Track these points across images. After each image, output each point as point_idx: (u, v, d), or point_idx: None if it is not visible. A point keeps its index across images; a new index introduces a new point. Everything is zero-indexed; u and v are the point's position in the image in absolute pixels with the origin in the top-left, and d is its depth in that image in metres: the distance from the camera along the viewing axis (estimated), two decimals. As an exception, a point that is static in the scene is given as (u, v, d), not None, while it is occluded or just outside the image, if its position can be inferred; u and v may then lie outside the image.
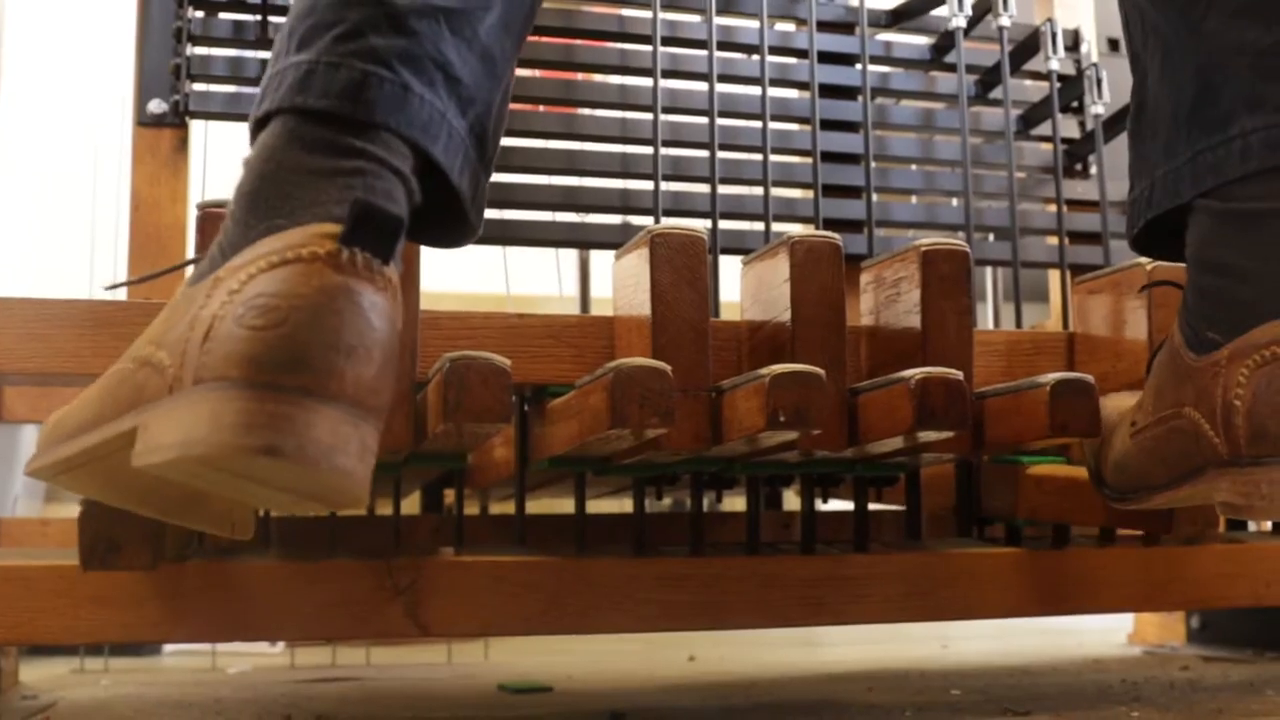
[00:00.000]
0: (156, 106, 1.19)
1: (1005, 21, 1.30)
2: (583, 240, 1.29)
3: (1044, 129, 1.38)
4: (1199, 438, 0.77)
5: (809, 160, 1.26)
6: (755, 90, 1.25)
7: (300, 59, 0.71)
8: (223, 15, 1.22)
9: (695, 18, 1.31)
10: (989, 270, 1.84)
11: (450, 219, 0.78)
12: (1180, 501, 0.84)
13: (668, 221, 1.04)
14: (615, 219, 1.32)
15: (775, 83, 1.28)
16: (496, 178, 1.25)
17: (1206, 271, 0.79)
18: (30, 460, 0.74)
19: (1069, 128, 1.40)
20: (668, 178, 1.23)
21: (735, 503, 1.32)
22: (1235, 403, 0.74)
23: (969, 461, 1.06)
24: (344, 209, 0.63)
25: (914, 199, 1.44)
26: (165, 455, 0.59)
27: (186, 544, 0.88)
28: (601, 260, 2.11)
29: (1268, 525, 1.56)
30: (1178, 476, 0.80)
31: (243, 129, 1.36)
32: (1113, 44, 1.71)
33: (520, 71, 1.33)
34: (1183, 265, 0.83)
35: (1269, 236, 0.76)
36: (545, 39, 1.32)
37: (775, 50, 1.30)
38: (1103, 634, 1.77)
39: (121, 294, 1.18)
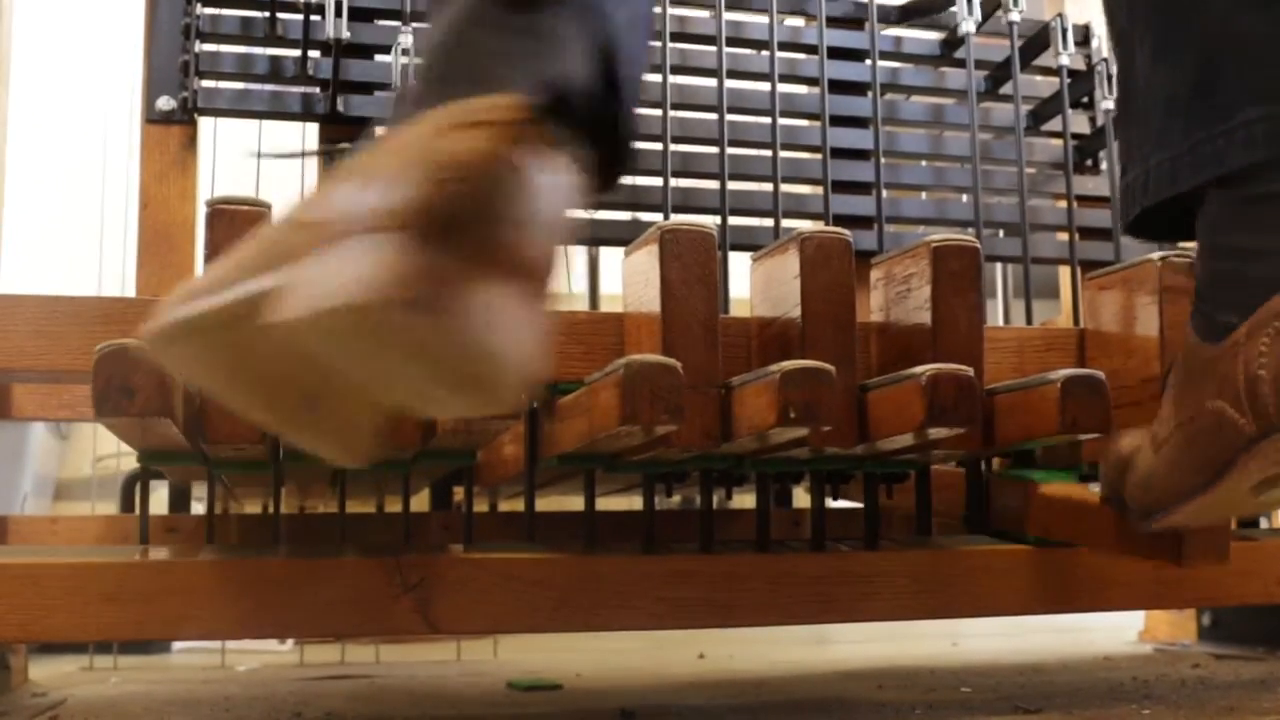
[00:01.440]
0: (165, 103, 1.19)
1: (1015, 17, 1.29)
2: (592, 237, 1.29)
3: (1054, 124, 1.37)
4: (1224, 428, 0.76)
5: (818, 156, 1.25)
6: (764, 86, 1.25)
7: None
8: (231, 11, 1.21)
9: (704, 13, 1.30)
10: (999, 266, 1.83)
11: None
12: (1210, 510, 0.82)
13: (677, 218, 1.03)
14: (624, 215, 1.31)
15: (784, 78, 1.28)
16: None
17: (1218, 257, 0.79)
18: (150, 322, 0.62)
19: (1079, 123, 1.39)
20: (677, 174, 1.23)
21: (745, 500, 1.32)
22: (1260, 373, 0.73)
23: (979, 474, 1.06)
24: (531, 84, 0.60)
25: (924, 195, 1.44)
26: (306, 308, 0.52)
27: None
28: (611, 257, 2.12)
29: (1280, 522, 1.55)
30: (1209, 477, 0.79)
31: (251, 126, 1.36)
32: (1123, 39, 1.70)
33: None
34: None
35: (1270, 216, 0.76)
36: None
37: (784, 46, 1.30)
38: (1114, 631, 1.77)
39: (130, 291, 1.18)
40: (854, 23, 1.35)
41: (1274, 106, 0.76)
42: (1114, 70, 0.90)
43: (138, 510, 0.98)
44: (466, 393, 0.56)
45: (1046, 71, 1.40)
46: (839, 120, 1.29)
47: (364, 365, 0.56)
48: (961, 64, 1.34)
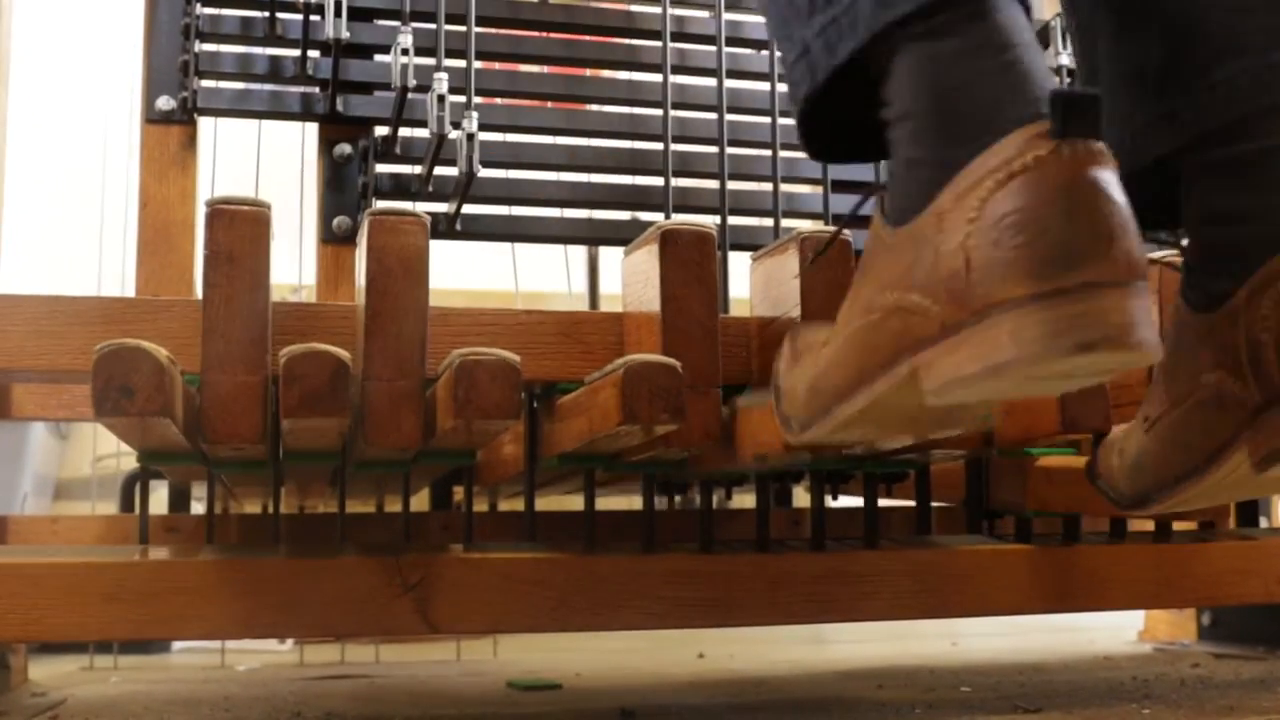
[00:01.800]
0: (165, 103, 1.19)
1: (1015, 16, 1.29)
2: (592, 237, 1.29)
3: (1054, 124, 1.37)
4: (1224, 400, 0.75)
5: (818, 156, 1.25)
6: (764, 86, 1.25)
7: None
8: (231, 11, 1.21)
9: (704, 13, 1.30)
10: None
11: None
12: (1209, 492, 0.80)
13: (677, 218, 1.03)
14: (624, 215, 1.31)
15: (785, 78, 1.28)
16: (504, 174, 1.25)
17: (1206, 225, 0.78)
18: (796, 432, 0.76)
19: (1079, 123, 1.39)
20: (677, 174, 1.23)
21: (745, 499, 1.32)
22: (1263, 336, 0.72)
23: (980, 473, 1.06)
24: (1033, 105, 0.63)
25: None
26: (964, 384, 0.62)
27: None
28: (610, 257, 2.12)
29: None
30: (1209, 455, 0.77)
31: (250, 125, 1.36)
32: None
33: (527, 68, 1.33)
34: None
35: (1265, 173, 0.75)
36: (554, 35, 1.32)
37: (784, 46, 1.30)
38: (1113, 631, 1.77)
39: (130, 291, 1.18)
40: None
41: (1254, 58, 0.75)
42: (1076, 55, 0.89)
43: (137, 510, 0.98)
44: (1110, 373, 0.66)
45: (1046, 71, 1.40)
46: (839, 120, 1.29)
47: (1009, 394, 0.68)
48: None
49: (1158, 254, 0.99)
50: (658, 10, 1.25)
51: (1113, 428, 0.90)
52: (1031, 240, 0.60)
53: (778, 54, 0.81)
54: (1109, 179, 0.61)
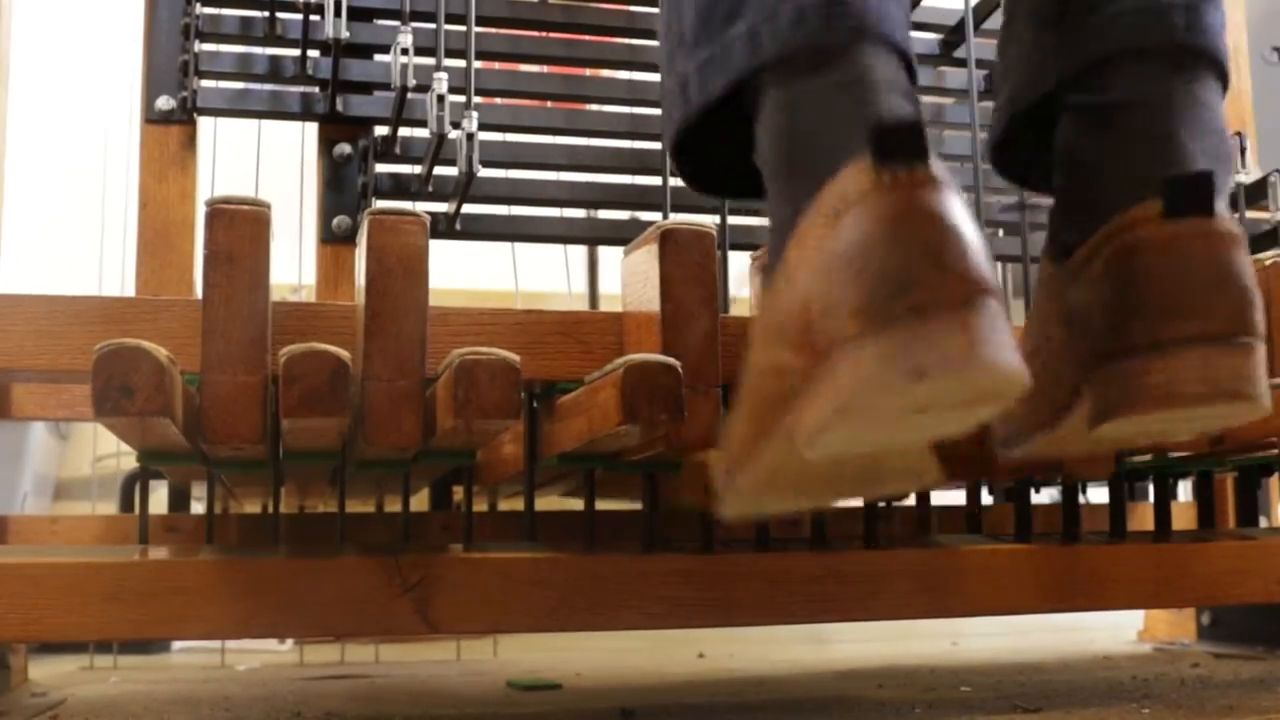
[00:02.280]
0: (165, 103, 1.19)
1: (1015, 16, 1.29)
2: (591, 236, 1.29)
3: (1054, 124, 1.37)
4: (1064, 356, 0.74)
5: (818, 156, 1.25)
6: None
7: (735, 30, 0.71)
8: (231, 11, 1.22)
9: (704, 13, 1.30)
10: (999, 266, 1.83)
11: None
12: (1062, 443, 0.79)
13: (676, 217, 1.03)
14: (624, 215, 1.31)
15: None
16: (503, 174, 1.26)
17: (1069, 173, 0.78)
18: (722, 507, 0.75)
19: (1079, 123, 1.39)
20: (676, 173, 1.23)
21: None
22: (1093, 297, 0.72)
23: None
24: (861, 143, 0.61)
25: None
26: (825, 431, 0.60)
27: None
28: (610, 256, 2.12)
29: (1279, 521, 1.55)
30: (1056, 410, 0.76)
31: (250, 125, 1.36)
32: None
33: (527, 68, 1.33)
34: None
35: (1118, 130, 0.75)
36: (553, 34, 1.32)
37: (784, 45, 1.30)
38: (1113, 630, 1.77)
39: (130, 290, 1.18)
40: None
41: (1134, 1, 0.75)
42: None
43: (137, 510, 0.98)
44: (984, 404, 0.62)
45: (1046, 71, 1.40)
46: (838, 120, 1.29)
47: (890, 437, 0.64)
48: (961, 63, 1.34)
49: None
50: (657, 10, 1.25)
51: None
52: (859, 273, 0.58)
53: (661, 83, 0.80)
54: (938, 200, 0.59)
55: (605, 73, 1.40)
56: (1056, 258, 0.77)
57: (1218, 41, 0.77)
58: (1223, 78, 0.78)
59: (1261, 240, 1.31)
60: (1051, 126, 0.81)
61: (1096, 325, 0.71)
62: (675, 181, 1.22)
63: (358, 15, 1.20)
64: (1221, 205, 0.70)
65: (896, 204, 0.59)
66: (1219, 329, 0.67)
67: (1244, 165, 1.32)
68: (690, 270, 0.88)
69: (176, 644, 1.78)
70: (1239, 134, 1.35)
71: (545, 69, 1.36)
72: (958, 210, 0.60)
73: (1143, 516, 1.49)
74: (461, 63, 1.18)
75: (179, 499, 1.33)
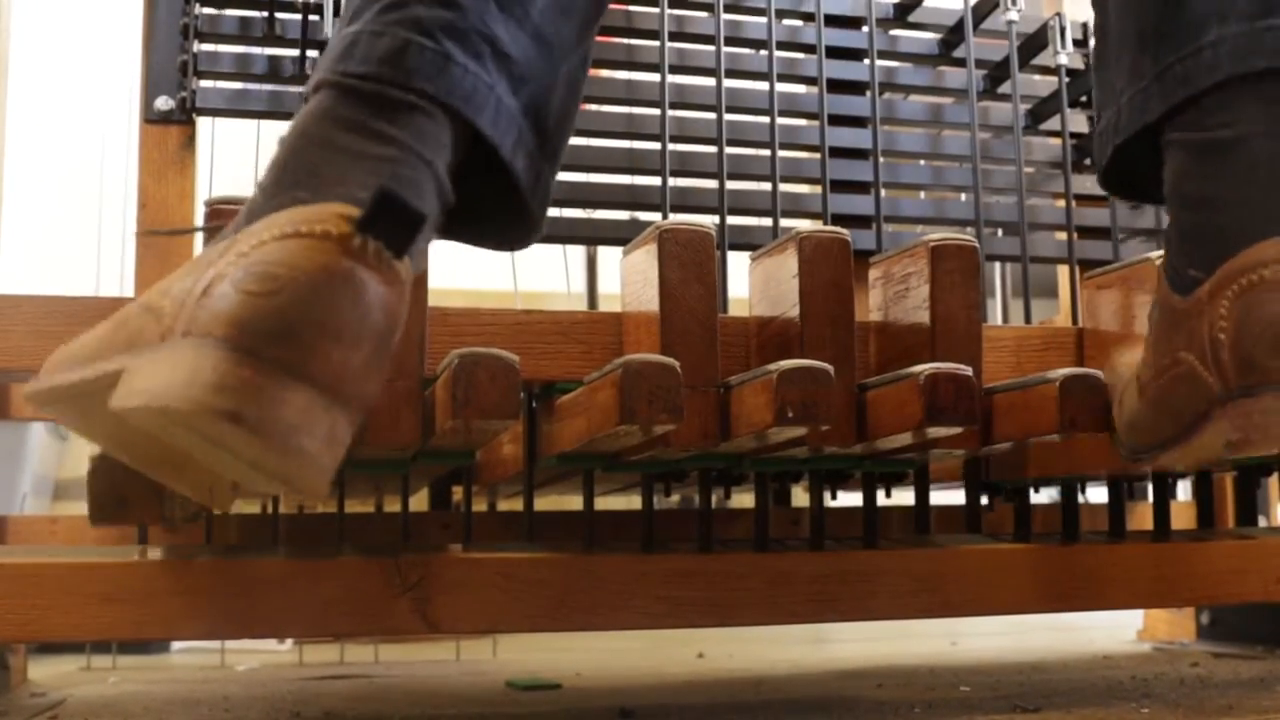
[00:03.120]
0: (164, 103, 1.19)
1: (1014, 16, 1.29)
2: (590, 236, 1.29)
3: (1053, 123, 1.37)
4: (1196, 381, 0.76)
5: (817, 155, 1.25)
6: (763, 85, 1.25)
7: (347, 30, 0.72)
8: (230, 11, 1.21)
9: (703, 13, 1.30)
10: (998, 266, 1.83)
11: (510, 212, 0.77)
12: (1193, 455, 0.82)
13: (675, 217, 1.03)
14: (623, 215, 1.31)
15: (783, 78, 1.28)
16: (504, 174, 1.25)
17: (1184, 208, 0.78)
18: (30, 382, 0.73)
19: (1078, 122, 1.39)
20: (675, 173, 1.23)
21: (744, 499, 1.32)
22: (1220, 336, 0.73)
23: (978, 471, 1.06)
24: (367, 194, 0.61)
25: (923, 194, 1.44)
26: (137, 401, 0.59)
27: (195, 510, 0.87)
28: (609, 256, 2.12)
29: (1278, 521, 1.55)
30: (1186, 426, 0.78)
31: (250, 125, 1.36)
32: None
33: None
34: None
35: (1242, 163, 0.75)
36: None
37: (783, 45, 1.30)
38: (1113, 630, 1.77)
39: (128, 291, 1.18)
40: (852, 22, 1.35)
41: (1241, 25, 0.75)
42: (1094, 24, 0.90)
43: (137, 510, 0.98)
44: (276, 483, 0.60)
45: (1045, 71, 1.40)
46: (838, 119, 1.29)
47: (190, 447, 0.61)
48: (960, 63, 1.34)
49: (1156, 254, 0.99)
50: (656, 10, 1.25)
51: (1119, 361, 0.91)
52: (262, 293, 0.58)
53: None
54: (379, 294, 0.60)
55: (604, 73, 1.39)
56: (1179, 289, 0.78)
57: None
58: None
59: None
60: (1156, 152, 0.81)
61: (1227, 359, 0.73)
62: (674, 181, 1.22)
63: (357, 15, 1.20)
64: None
65: (337, 269, 0.59)
66: None
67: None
68: (689, 270, 0.88)
69: (175, 644, 1.78)
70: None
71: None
72: (378, 316, 0.61)
73: (1142, 516, 1.49)
74: (460, 63, 1.18)
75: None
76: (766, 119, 1.24)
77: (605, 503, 1.34)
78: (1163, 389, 0.80)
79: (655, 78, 1.24)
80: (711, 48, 1.24)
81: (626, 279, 0.95)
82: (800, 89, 1.37)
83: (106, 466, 0.78)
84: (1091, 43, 1.37)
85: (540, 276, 2.12)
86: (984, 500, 1.14)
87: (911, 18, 1.38)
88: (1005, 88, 1.35)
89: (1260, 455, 0.85)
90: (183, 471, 0.73)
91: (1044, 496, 1.67)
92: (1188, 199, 0.78)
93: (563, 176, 1.28)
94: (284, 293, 0.58)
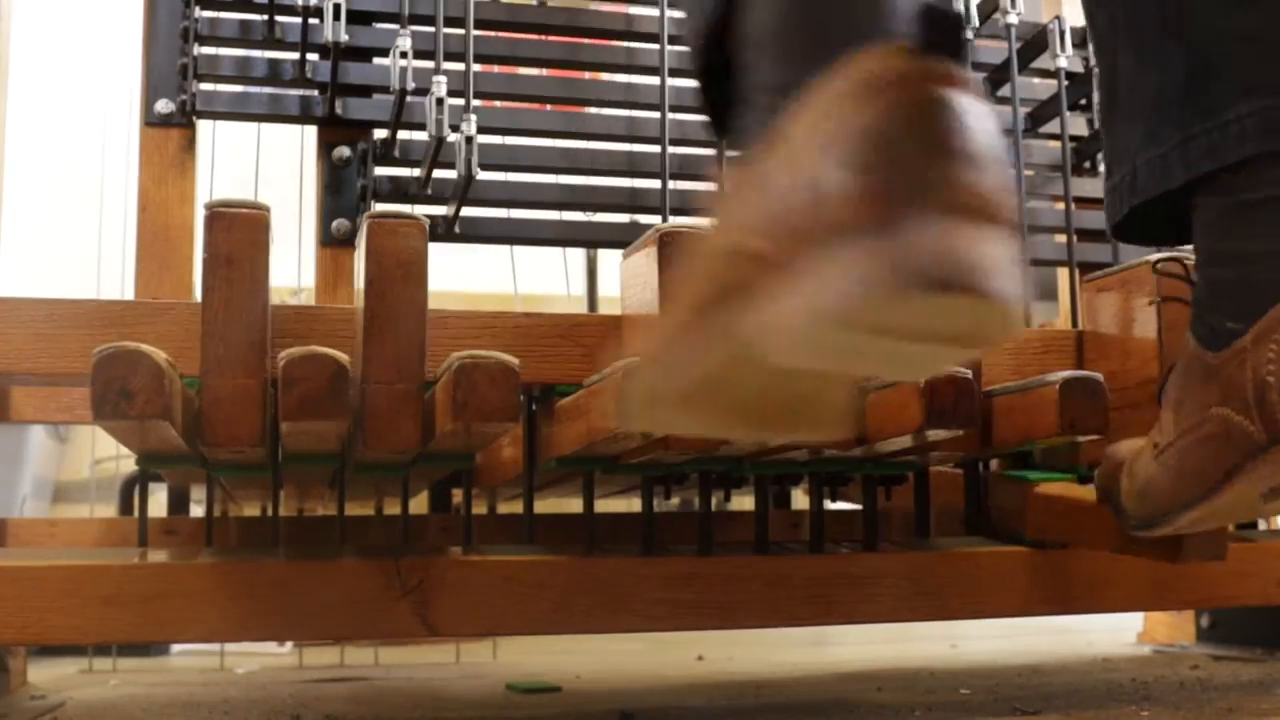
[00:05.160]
0: (164, 106, 1.19)
1: (1013, 19, 1.29)
2: (590, 239, 1.29)
3: (1052, 126, 1.37)
4: (1230, 435, 0.75)
5: (817, 158, 1.25)
6: (763, 88, 1.25)
7: None
8: (230, 15, 1.22)
9: (702, 16, 1.30)
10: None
11: None
12: (1213, 517, 0.81)
13: (675, 220, 1.03)
14: (623, 218, 1.31)
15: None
16: (503, 177, 1.26)
17: (1218, 264, 0.79)
18: (626, 403, 0.67)
19: (1077, 125, 1.39)
20: (675, 176, 1.23)
21: (744, 502, 1.32)
22: (1269, 379, 0.73)
23: (978, 476, 1.06)
24: (905, 24, 0.56)
25: (922, 197, 1.44)
26: (801, 333, 0.53)
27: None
28: (609, 259, 2.12)
29: (1278, 524, 1.55)
30: (1213, 485, 0.77)
31: (249, 128, 1.36)
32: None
33: (526, 71, 1.33)
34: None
35: (1272, 219, 0.75)
36: (552, 38, 1.32)
37: (783, 48, 1.30)
38: (1112, 633, 1.77)
39: (129, 294, 1.18)
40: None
41: (1267, 99, 0.75)
42: (1096, 74, 0.89)
43: (137, 513, 0.98)
44: (960, 344, 0.55)
45: (1045, 74, 1.40)
46: (837, 122, 1.29)
47: (843, 361, 0.57)
48: (959, 66, 1.34)
49: (1155, 256, 1.00)
50: (656, 13, 1.25)
51: (1120, 445, 0.90)
52: (881, 157, 0.52)
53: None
54: (980, 109, 0.53)
55: (604, 76, 1.40)
56: (1211, 344, 0.77)
57: None
58: None
59: None
60: (1175, 209, 0.81)
61: (1275, 404, 0.73)
62: (674, 184, 1.22)
63: (357, 19, 1.20)
64: None
65: (941, 96, 0.52)
66: None
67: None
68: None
69: (175, 647, 1.77)
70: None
71: (544, 72, 1.36)
72: (996, 127, 0.54)
73: (1142, 519, 1.49)
74: (460, 66, 1.18)
75: (178, 502, 1.33)
76: (766, 122, 1.24)
77: (605, 505, 1.34)
78: (1185, 449, 0.79)
79: (655, 81, 1.25)
80: (711, 51, 1.24)
81: (626, 282, 0.95)
82: (800, 92, 1.37)
83: (110, 358, 0.73)
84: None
85: (540, 279, 2.12)
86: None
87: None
88: (1005, 90, 1.35)
89: None
90: (805, 410, 0.66)
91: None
92: (1220, 256, 0.78)
93: (563, 179, 1.28)
94: (905, 148, 0.51)
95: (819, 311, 0.52)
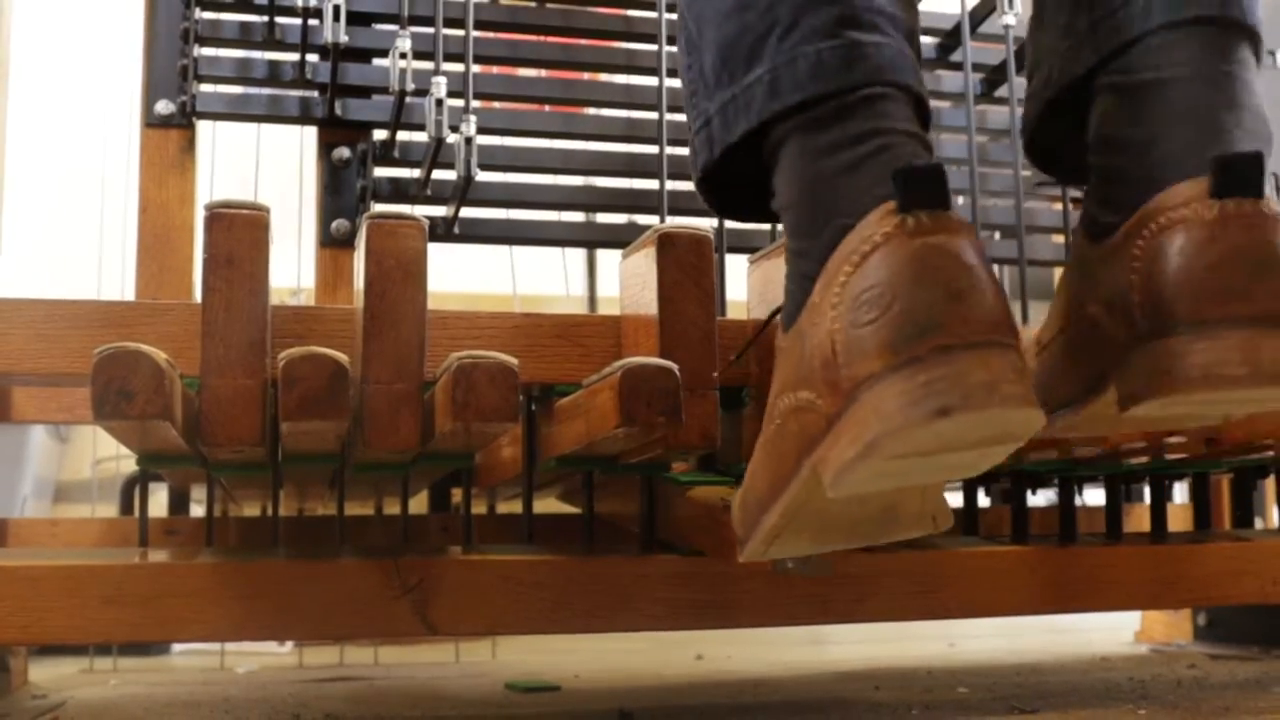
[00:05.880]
0: (164, 107, 1.19)
1: (1010, 20, 1.30)
2: (589, 240, 1.29)
3: (1050, 127, 1.37)
4: (1100, 334, 0.72)
5: (815, 159, 1.26)
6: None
7: (750, 77, 0.73)
8: (230, 16, 1.22)
9: (701, 17, 1.31)
10: (996, 268, 1.83)
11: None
12: (1086, 423, 0.78)
13: (674, 221, 1.04)
14: (622, 218, 1.31)
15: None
16: (503, 178, 1.26)
17: (1107, 152, 0.76)
18: (741, 552, 0.78)
19: (1075, 126, 1.39)
20: (674, 177, 1.23)
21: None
22: (1131, 278, 0.70)
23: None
24: (887, 187, 0.64)
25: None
26: (850, 471, 0.63)
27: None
28: (608, 259, 2.12)
29: (1274, 523, 1.56)
30: (1084, 389, 0.75)
31: (249, 129, 1.36)
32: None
33: (525, 71, 1.33)
34: None
35: (1165, 105, 0.73)
36: (551, 39, 1.32)
37: (781, 49, 1.30)
38: (1110, 632, 1.77)
39: (129, 294, 1.18)
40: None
41: None
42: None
43: (137, 513, 0.99)
44: (1001, 444, 0.65)
45: (1042, 74, 1.40)
46: (835, 123, 1.29)
47: (909, 477, 0.68)
48: (957, 66, 1.34)
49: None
50: (654, 14, 1.26)
51: None
52: (884, 312, 0.62)
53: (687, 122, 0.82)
54: (960, 246, 0.63)
55: (603, 77, 1.40)
56: (1093, 237, 0.75)
57: (1255, 15, 0.75)
58: (1258, 53, 0.76)
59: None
60: (1084, 112, 0.79)
61: (1135, 304, 0.69)
62: (672, 185, 1.23)
63: (356, 20, 1.20)
64: (1269, 188, 0.69)
65: (921, 248, 0.62)
66: (1265, 310, 0.66)
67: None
68: (688, 273, 0.88)
69: (176, 646, 1.78)
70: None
71: (543, 73, 1.37)
72: (978, 256, 0.63)
73: (1139, 518, 1.50)
74: (460, 67, 1.18)
75: (179, 502, 1.33)
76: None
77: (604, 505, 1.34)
78: (1062, 346, 0.77)
79: (654, 81, 1.25)
80: (710, 52, 1.25)
81: (625, 282, 0.95)
82: (798, 93, 1.37)
83: (110, 359, 0.74)
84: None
85: (539, 280, 2.12)
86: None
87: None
88: (1002, 91, 1.35)
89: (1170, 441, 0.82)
90: (904, 514, 0.75)
91: (1040, 499, 1.67)
92: (1110, 142, 0.76)
93: (562, 180, 1.29)
94: (896, 298, 0.62)
95: (864, 447, 0.61)
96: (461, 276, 1.97)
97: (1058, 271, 1.44)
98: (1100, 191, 0.76)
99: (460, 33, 1.20)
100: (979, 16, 1.34)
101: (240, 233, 0.82)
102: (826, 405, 0.65)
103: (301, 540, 1.22)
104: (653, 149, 1.24)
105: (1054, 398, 0.78)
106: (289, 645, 1.74)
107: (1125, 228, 0.71)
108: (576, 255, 2.14)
